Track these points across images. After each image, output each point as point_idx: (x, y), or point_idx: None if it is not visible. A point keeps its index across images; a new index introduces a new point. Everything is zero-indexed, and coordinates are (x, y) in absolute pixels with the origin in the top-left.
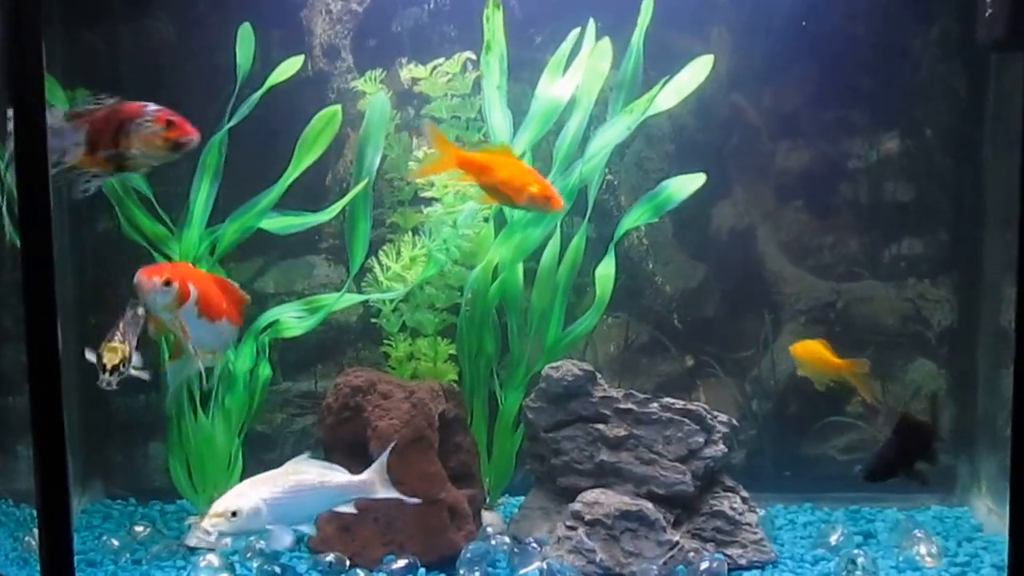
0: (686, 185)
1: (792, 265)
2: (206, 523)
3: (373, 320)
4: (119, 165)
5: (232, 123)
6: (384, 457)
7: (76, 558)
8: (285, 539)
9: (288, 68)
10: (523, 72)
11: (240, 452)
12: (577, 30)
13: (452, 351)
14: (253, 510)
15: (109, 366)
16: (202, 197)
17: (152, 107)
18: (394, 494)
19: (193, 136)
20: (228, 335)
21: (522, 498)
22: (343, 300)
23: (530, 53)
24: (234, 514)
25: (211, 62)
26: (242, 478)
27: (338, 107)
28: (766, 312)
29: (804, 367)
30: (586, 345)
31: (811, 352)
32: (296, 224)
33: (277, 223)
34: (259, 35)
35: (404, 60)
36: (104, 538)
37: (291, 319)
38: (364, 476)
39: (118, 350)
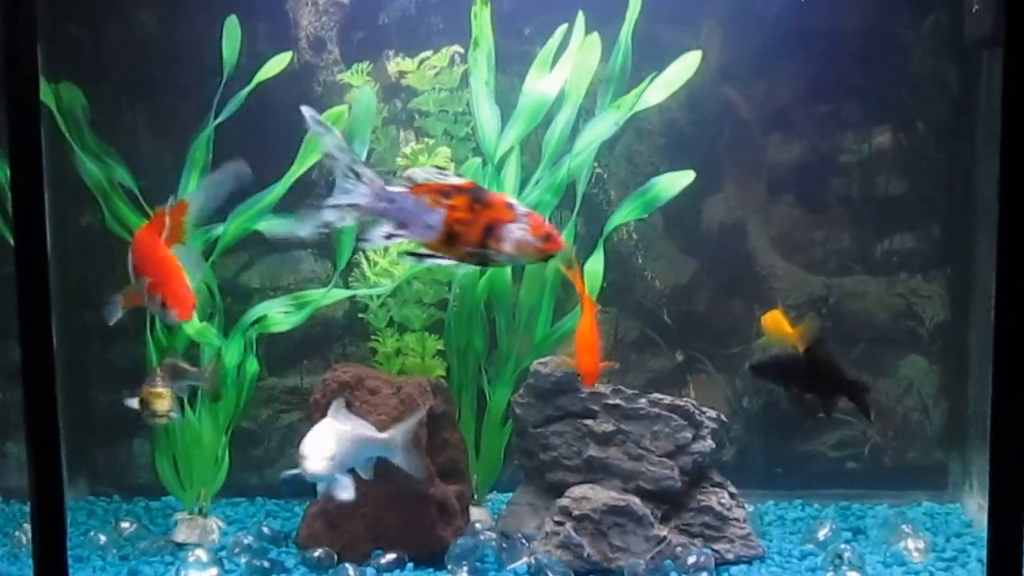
0: (675, 182)
1: (783, 260)
2: (311, 467)
3: (360, 316)
4: (481, 260)
5: (221, 119)
6: (412, 420)
7: None
8: (350, 490)
9: (276, 64)
10: (512, 66)
11: (227, 448)
12: (565, 25)
13: (440, 347)
14: (339, 455)
15: (161, 411)
16: (190, 191)
17: (521, 209)
18: (410, 462)
19: (564, 248)
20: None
21: (511, 494)
22: (330, 295)
23: (519, 47)
24: (331, 457)
25: (197, 55)
26: (229, 475)
27: (344, 108)
28: (757, 307)
29: (769, 336)
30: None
31: (773, 321)
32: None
33: (273, 226)
34: (244, 28)
35: (391, 53)
36: (91, 534)
37: (279, 314)
38: (386, 435)
39: (164, 396)
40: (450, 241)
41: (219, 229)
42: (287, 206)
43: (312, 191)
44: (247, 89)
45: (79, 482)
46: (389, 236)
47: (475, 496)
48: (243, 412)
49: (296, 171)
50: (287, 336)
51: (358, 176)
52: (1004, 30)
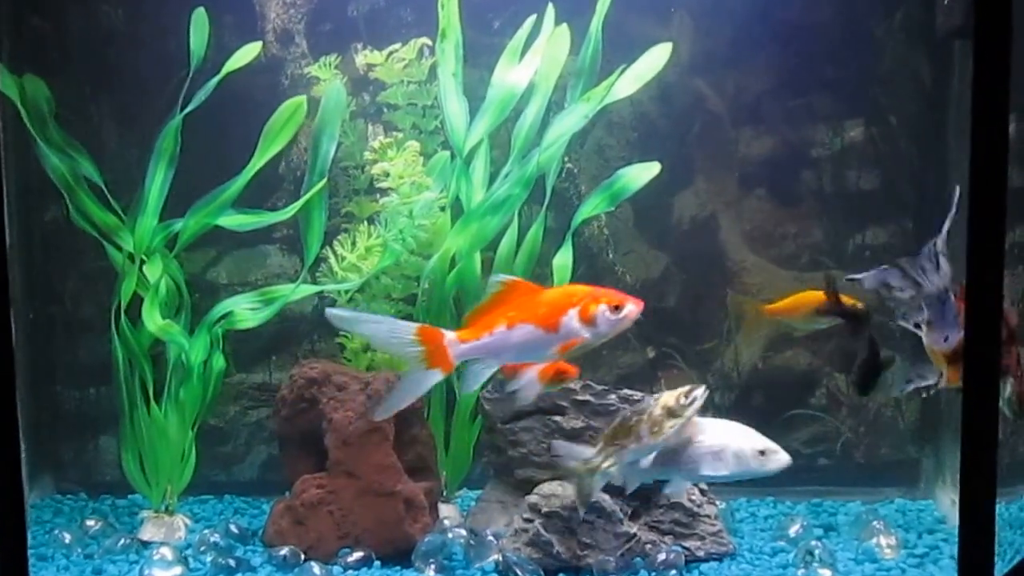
0: (641, 174)
1: (755, 255)
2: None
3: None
4: None
5: (188, 110)
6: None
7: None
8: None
9: (246, 54)
10: (481, 58)
11: (194, 445)
12: (534, 16)
13: None
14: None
15: None
16: (156, 186)
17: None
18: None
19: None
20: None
21: (481, 491)
22: (298, 291)
23: (488, 39)
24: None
25: (164, 47)
26: (197, 472)
27: (303, 98)
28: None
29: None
30: None
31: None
32: (253, 222)
33: (234, 220)
34: (210, 19)
35: (360, 46)
36: (56, 532)
37: (245, 310)
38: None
39: None
40: None
41: (178, 224)
42: (248, 200)
43: (278, 185)
44: (215, 79)
45: (44, 480)
46: None
47: (444, 493)
48: (210, 408)
49: (256, 164)
50: (256, 332)
51: None
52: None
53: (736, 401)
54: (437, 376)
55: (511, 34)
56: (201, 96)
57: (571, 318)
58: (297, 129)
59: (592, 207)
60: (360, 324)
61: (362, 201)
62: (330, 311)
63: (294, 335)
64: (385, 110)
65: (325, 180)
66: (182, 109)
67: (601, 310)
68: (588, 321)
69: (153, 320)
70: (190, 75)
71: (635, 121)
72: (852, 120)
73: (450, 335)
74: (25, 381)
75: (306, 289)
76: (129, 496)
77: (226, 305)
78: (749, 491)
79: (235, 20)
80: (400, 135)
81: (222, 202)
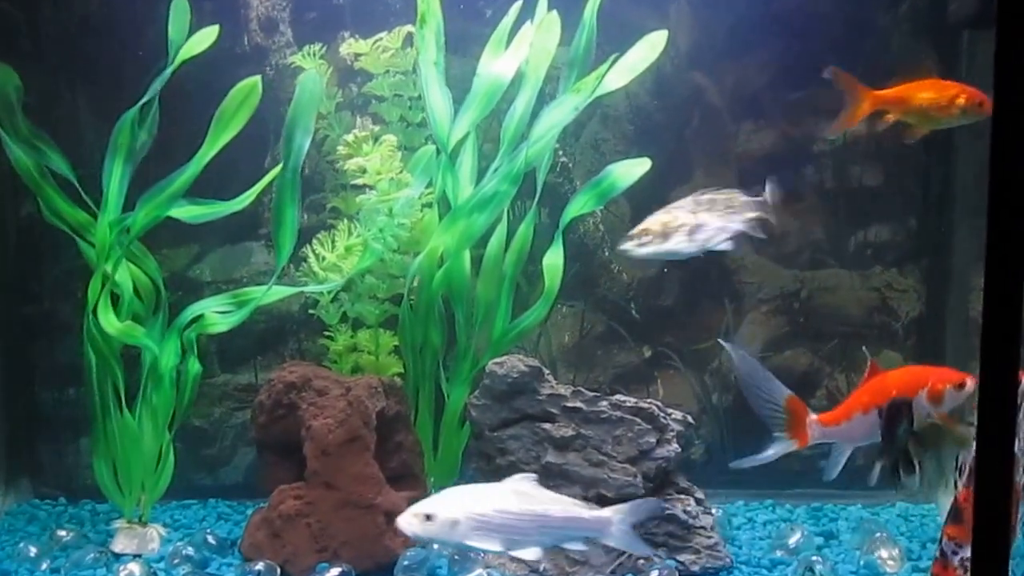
0: (631, 171)
1: (754, 252)
2: (402, 520)
3: (311, 312)
4: None
5: (144, 100)
6: (638, 505)
7: None
8: (527, 555)
9: (201, 40)
10: (471, 47)
11: (170, 450)
12: (520, 2)
13: (396, 343)
14: (449, 521)
15: None
16: (115, 180)
17: None
18: (630, 546)
19: None
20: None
21: None
22: (272, 293)
23: (479, 29)
24: (428, 518)
25: (142, 36)
26: (179, 475)
27: (257, 79)
28: (727, 301)
29: None
30: (539, 336)
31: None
32: (207, 213)
33: (187, 211)
34: (191, 7)
35: (346, 34)
36: (21, 545)
37: (216, 314)
38: (599, 514)
39: None
40: None
41: (128, 219)
42: (222, 191)
43: (234, 174)
44: (170, 69)
45: (21, 483)
46: None
47: None
48: (186, 414)
49: (208, 151)
50: (240, 331)
51: None
52: (995, 9)
53: (734, 402)
54: (792, 446)
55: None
56: (156, 86)
57: (921, 399)
58: (251, 113)
59: (580, 205)
60: (747, 370)
61: (348, 196)
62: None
63: (281, 335)
64: (373, 102)
65: (292, 166)
66: (154, 100)
67: (948, 390)
68: (936, 401)
69: (109, 322)
70: (168, 64)
71: (631, 114)
72: None
73: (812, 416)
74: (1, 382)
75: (280, 291)
76: (110, 501)
77: (197, 308)
78: (747, 494)
79: (216, 8)
80: (377, 128)
81: (173, 192)
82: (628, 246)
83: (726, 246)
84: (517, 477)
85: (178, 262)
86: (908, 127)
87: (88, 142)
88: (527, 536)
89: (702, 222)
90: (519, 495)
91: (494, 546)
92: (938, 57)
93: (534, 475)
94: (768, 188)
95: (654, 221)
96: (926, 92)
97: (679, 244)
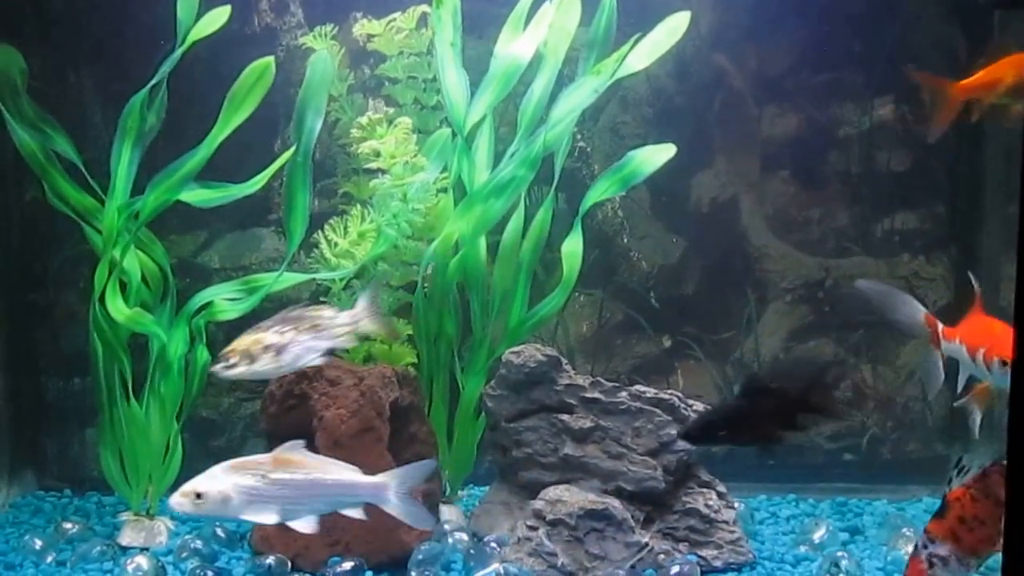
0: (654, 156)
1: (778, 240)
2: (172, 501)
3: (322, 299)
4: None
5: (152, 83)
6: (416, 467)
7: None
8: (304, 526)
9: (212, 21)
10: (488, 28)
11: (178, 441)
12: None
13: (410, 332)
14: (220, 496)
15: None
16: (124, 164)
17: None
18: (407, 513)
19: None
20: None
21: (487, 488)
22: (283, 280)
23: (496, 7)
24: (199, 496)
25: (150, 16)
26: (181, 470)
27: (270, 59)
28: (750, 290)
29: None
30: (556, 325)
31: None
32: (218, 197)
33: (198, 195)
34: None
35: (358, 15)
36: (27, 538)
37: (226, 301)
38: (376, 479)
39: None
40: None
41: (137, 203)
42: (231, 175)
43: (243, 157)
44: (180, 50)
45: (26, 475)
46: None
47: (446, 493)
48: (194, 403)
49: (220, 133)
50: (251, 320)
51: None
52: None
53: None
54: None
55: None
56: (166, 68)
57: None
58: (263, 94)
59: (601, 191)
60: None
61: (361, 181)
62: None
63: None
64: (386, 83)
65: (301, 149)
66: (163, 83)
67: (996, 362)
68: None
69: (118, 309)
70: (176, 45)
71: (651, 97)
72: (882, 97)
73: (940, 327)
74: (5, 371)
75: (292, 278)
76: (117, 493)
77: (206, 295)
78: (770, 488)
79: None
80: (391, 111)
81: (183, 175)
82: (216, 368)
83: (320, 362)
84: (286, 445)
85: (186, 248)
86: (1004, 109)
87: (94, 125)
88: (301, 505)
89: (289, 341)
90: (289, 464)
91: (270, 518)
92: (968, 37)
93: (302, 441)
94: (361, 299)
95: (240, 342)
96: (1013, 69)
97: (266, 365)
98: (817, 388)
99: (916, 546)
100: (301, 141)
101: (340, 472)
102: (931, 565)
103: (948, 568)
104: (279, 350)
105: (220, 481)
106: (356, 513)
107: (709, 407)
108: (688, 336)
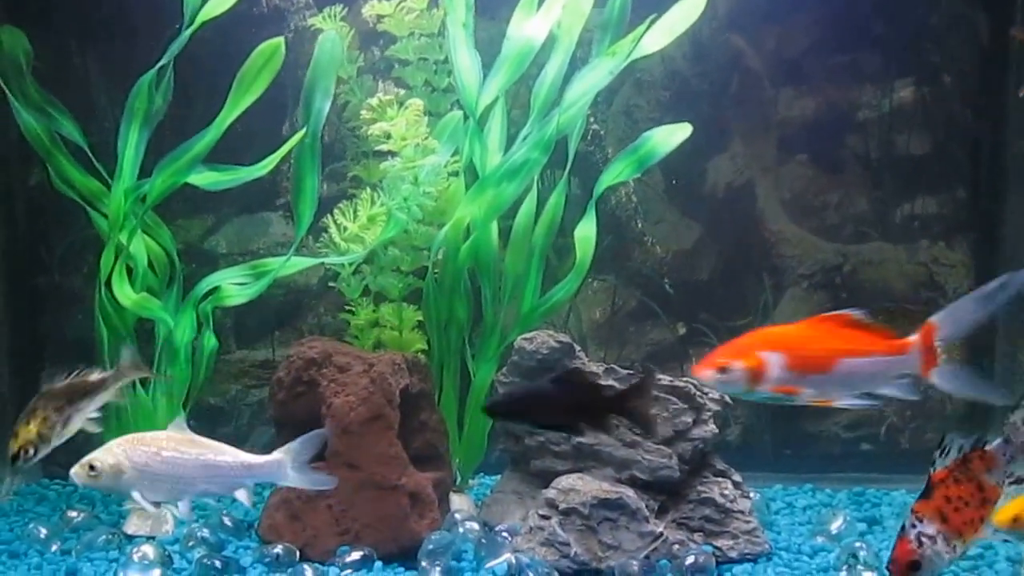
0: (670, 137)
1: (795, 225)
2: (71, 472)
3: (331, 284)
4: None
5: (160, 64)
6: (305, 439)
7: None
8: (182, 508)
9: (220, 2)
10: (501, 9)
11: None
12: None
13: (420, 318)
14: (113, 471)
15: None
16: (131, 146)
17: None
18: (307, 482)
19: None
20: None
21: (498, 476)
22: (291, 264)
23: None
24: (92, 468)
25: None
26: None
27: (280, 40)
28: (766, 276)
29: None
30: (569, 311)
31: None
32: (227, 180)
33: (206, 178)
34: None
35: None
36: (31, 526)
37: (233, 286)
38: (270, 457)
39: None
40: None
41: (144, 186)
42: (238, 158)
43: (249, 140)
44: (188, 31)
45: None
46: None
47: (457, 482)
48: (202, 390)
49: (228, 115)
50: (258, 306)
51: None
52: None
53: None
54: None
55: None
56: (175, 49)
57: None
58: (273, 76)
59: (616, 173)
60: None
61: (370, 165)
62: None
63: (299, 309)
64: (396, 66)
65: (309, 132)
66: (168, 63)
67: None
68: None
69: (125, 294)
70: (183, 26)
71: (666, 80)
72: (902, 79)
73: None
74: (9, 354)
75: (300, 262)
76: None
77: (213, 279)
78: (787, 478)
79: None
80: (401, 92)
81: (192, 157)
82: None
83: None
84: (173, 423)
85: (193, 233)
86: None
87: (100, 108)
88: (195, 484)
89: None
90: (186, 442)
91: (160, 495)
92: (990, 16)
93: (181, 416)
94: (121, 360)
95: (26, 432)
96: None
97: (59, 440)
98: (634, 396)
99: (903, 526)
100: (310, 123)
101: (235, 453)
102: (920, 544)
103: (937, 547)
104: (65, 423)
105: (114, 455)
106: (243, 496)
107: (519, 384)
108: (703, 323)
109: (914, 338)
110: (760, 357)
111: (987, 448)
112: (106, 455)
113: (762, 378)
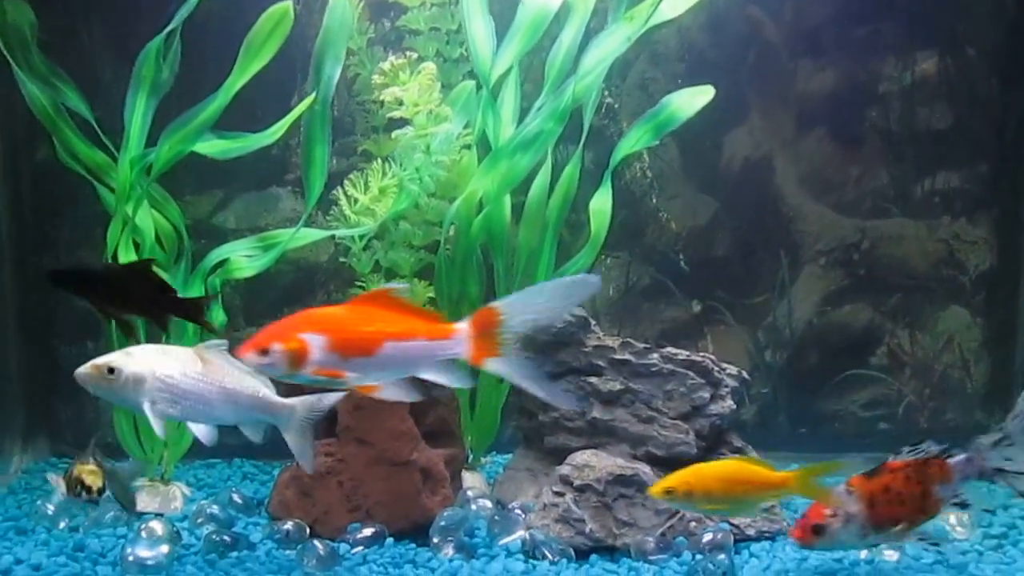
0: (691, 101)
1: (813, 200)
2: (79, 371)
3: (342, 260)
4: None
5: (168, 30)
6: (324, 398)
7: (4, 525)
8: (201, 431)
9: None
10: None
11: None
12: None
13: (432, 294)
14: (134, 378)
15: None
16: (138, 115)
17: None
18: (298, 446)
19: None
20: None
21: (511, 455)
22: (300, 236)
23: None
24: (111, 371)
25: None
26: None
27: (289, 4)
28: (783, 253)
29: None
30: None
31: None
32: (235, 148)
33: (214, 146)
34: None
35: None
36: (40, 503)
37: (242, 258)
38: (285, 401)
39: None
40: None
41: (151, 155)
42: (228, 123)
43: (255, 108)
44: None
45: (39, 441)
46: None
47: (469, 459)
48: None
49: (236, 82)
50: (267, 282)
51: None
52: None
53: (788, 360)
54: None
55: None
56: (182, 14)
57: None
58: (282, 41)
59: (635, 140)
60: None
61: (380, 139)
62: None
63: (309, 286)
64: (407, 36)
65: (319, 97)
66: (174, 33)
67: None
68: None
69: None
70: None
71: (682, 51)
72: (924, 51)
73: None
74: (19, 334)
75: (310, 234)
76: (132, 458)
77: (222, 252)
78: (804, 457)
79: None
80: (414, 56)
81: (199, 124)
82: None
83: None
84: (210, 343)
85: (202, 209)
86: None
87: (106, 80)
88: (211, 409)
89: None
90: (210, 364)
91: (175, 413)
92: None
93: (225, 342)
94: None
95: None
96: None
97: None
98: (188, 303)
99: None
100: (320, 89)
101: (258, 387)
102: (834, 515)
103: (846, 527)
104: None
105: (138, 363)
106: (252, 433)
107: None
108: (718, 300)
109: (462, 324)
110: (302, 339)
111: (948, 461)
112: (128, 361)
113: (304, 360)
